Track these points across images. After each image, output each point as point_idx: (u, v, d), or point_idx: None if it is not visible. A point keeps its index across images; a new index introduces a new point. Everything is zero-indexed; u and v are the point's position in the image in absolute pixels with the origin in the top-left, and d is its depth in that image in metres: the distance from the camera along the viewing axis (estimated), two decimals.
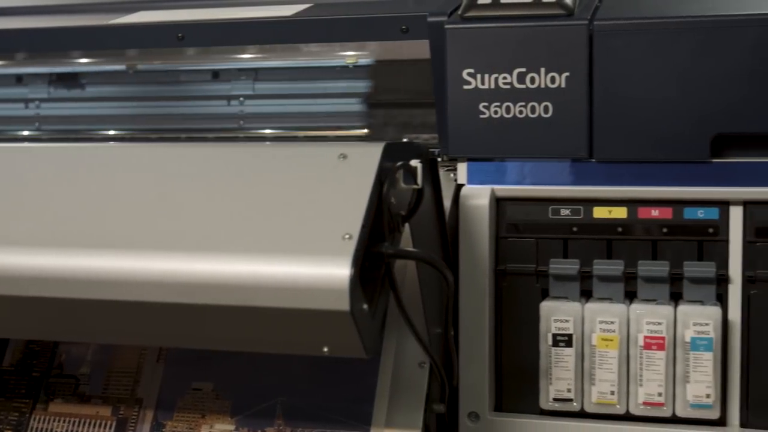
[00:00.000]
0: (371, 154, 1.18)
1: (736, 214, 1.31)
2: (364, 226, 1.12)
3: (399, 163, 1.19)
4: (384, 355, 1.35)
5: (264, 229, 1.16)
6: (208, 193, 1.21)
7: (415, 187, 1.22)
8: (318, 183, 1.18)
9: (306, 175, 1.20)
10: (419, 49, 1.45)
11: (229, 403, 1.40)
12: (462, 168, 1.40)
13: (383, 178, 1.16)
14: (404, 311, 1.20)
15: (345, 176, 1.17)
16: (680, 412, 1.31)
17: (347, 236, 1.11)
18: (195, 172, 1.24)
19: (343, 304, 1.09)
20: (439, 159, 1.43)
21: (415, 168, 1.21)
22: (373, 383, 1.34)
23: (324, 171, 1.19)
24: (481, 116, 1.36)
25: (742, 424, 1.32)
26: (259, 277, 1.12)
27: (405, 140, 1.56)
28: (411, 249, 1.24)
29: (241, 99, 1.66)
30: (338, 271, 1.09)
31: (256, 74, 1.66)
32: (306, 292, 1.10)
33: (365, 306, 1.13)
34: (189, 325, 1.19)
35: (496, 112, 1.36)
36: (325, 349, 1.15)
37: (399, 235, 1.23)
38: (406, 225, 1.23)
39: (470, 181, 1.39)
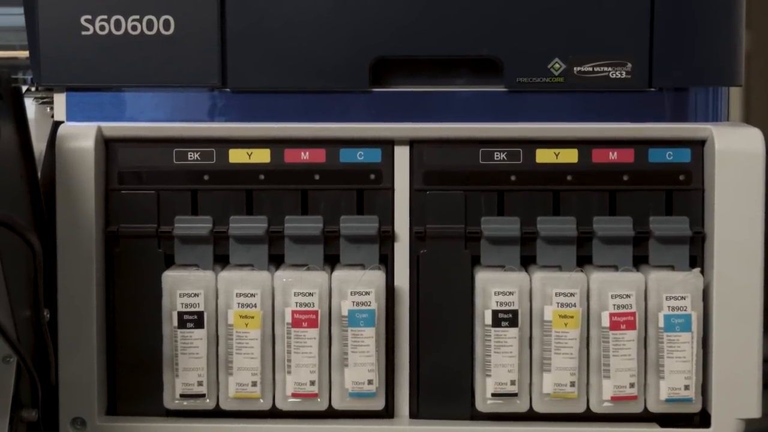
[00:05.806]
0: None
1: (401, 156, 1.07)
2: None
3: None
4: None
5: None
6: None
7: None
8: None
9: None
10: None
11: None
12: (60, 100, 1.08)
13: None
14: None
15: None
16: (337, 404, 1.06)
17: None
18: None
19: None
20: (31, 89, 1.12)
21: None
22: None
23: None
24: (84, 33, 1.06)
25: (412, 415, 1.08)
26: None
27: None
28: None
29: None
30: None
31: None
32: None
33: None
34: None
35: (102, 28, 1.06)
36: None
37: None
38: None
39: (71, 117, 1.08)
